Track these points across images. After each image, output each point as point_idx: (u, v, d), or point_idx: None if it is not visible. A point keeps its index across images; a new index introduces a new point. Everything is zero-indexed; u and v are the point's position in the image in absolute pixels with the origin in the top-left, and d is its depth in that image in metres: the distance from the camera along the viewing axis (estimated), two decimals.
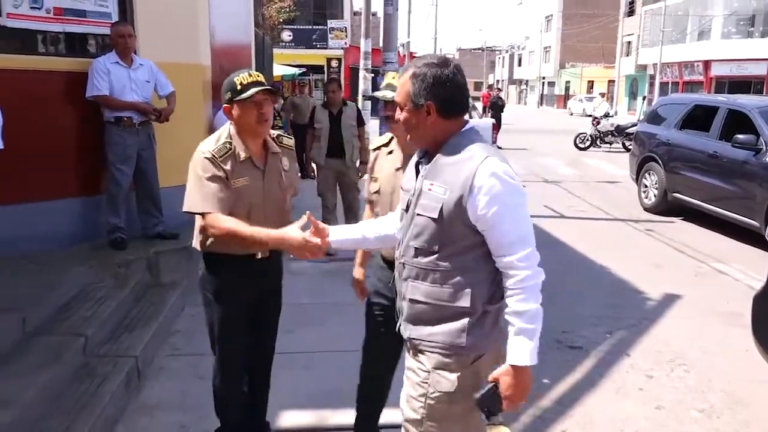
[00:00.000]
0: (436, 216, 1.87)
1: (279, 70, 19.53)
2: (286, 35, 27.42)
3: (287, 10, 18.80)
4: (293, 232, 2.26)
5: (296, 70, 21.09)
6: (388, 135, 2.70)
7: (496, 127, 12.38)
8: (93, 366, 3.45)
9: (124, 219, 4.93)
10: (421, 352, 1.98)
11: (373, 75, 12.56)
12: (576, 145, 18.50)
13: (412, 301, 1.97)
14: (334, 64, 29.33)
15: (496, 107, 20.69)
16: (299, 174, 2.79)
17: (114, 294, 4.22)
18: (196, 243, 2.66)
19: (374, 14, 19.81)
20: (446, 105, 1.89)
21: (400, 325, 2.06)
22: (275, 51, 18.61)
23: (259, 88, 2.48)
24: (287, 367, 3.68)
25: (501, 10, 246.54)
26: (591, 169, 14.49)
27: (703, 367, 4.20)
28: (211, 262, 2.67)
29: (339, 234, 2.26)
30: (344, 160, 6.13)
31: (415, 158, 2.05)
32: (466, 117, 2.01)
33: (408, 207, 1.98)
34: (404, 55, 29.37)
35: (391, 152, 2.65)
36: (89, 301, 4.05)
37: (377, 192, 2.65)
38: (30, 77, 4.53)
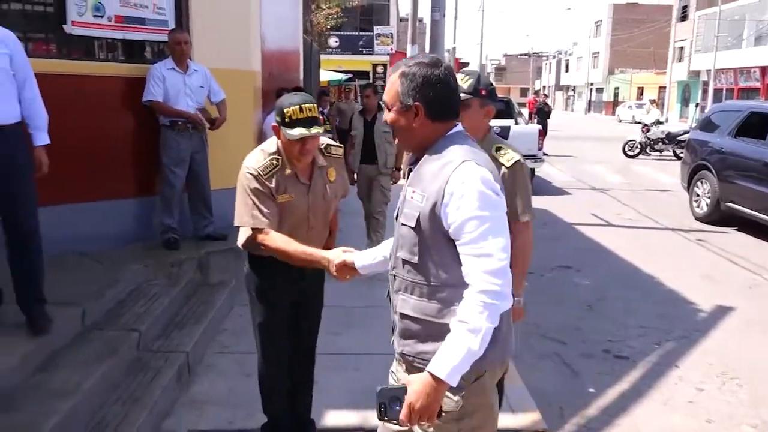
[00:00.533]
0: (413, 225, 1.78)
1: (326, 75, 19.79)
2: (333, 41, 27.75)
3: (335, 16, 19.04)
4: (333, 255, 2.27)
5: (343, 76, 21.30)
6: None
7: (543, 133, 12.25)
8: (146, 360, 3.58)
9: (177, 220, 5.09)
10: (417, 368, 1.80)
11: None
12: (625, 153, 18.12)
13: (402, 315, 1.86)
14: (379, 69, 29.50)
15: (542, 113, 20.47)
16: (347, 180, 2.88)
17: (166, 292, 4.37)
18: (240, 242, 2.73)
19: (420, 20, 19.88)
20: (435, 107, 1.81)
21: (393, 340, 1.96)
22: (322, 57, 18.85)
23: (304, 135, 2.48)
24: (335, 368, 3.74)
25: (548, 16, 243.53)
26: (640, 177, 14.18)
27: (757, 382, 4.08)
28: (255, 262, 2.75)
29: (364, 260, 2.21)
30: (377, 166, 6.08)
31: (409, 164, 1.98)
32: (458, 121, 1.91)
33: (397, 216, 1.90)
34: (450, 61, 29.32)
35: None
36: (143, 298, 4.21)
37: None
38: (92, 82, 4.73)
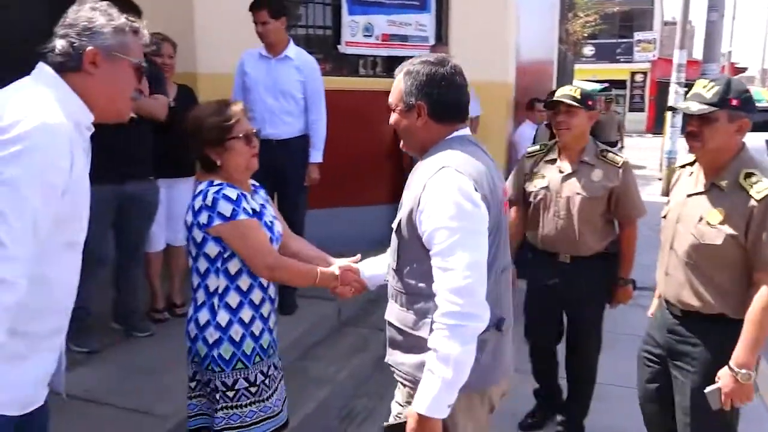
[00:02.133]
0: (395, 229, 1.73)
1: (579, 85, 18.93)
2: (588, 50, 26.60)
3: (592, 24, 18.21)
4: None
5: (597, 86, 20.25)
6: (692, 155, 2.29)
7: None
8: None
9: None
10: (400, 381, 1.80)
11: (686, 89, 11.41)
12: None
13: (388, 323, 1.81)
14: (638, 78, 27.53)
15: None
16: None
17: None
18: None
19: (689, 23, 18.01)
20: (439, 107, 1.70)
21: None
22: (576, 66, 18.17)
23: None
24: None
25: None
26: None
27: None
28: None
29: (372, 268, 2.10)
30: None
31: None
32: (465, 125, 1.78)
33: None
34: (723, 66, 26.17)
35: (691, 174, 2.24)
36: None
37: (664, 217, 2.32)
38: (359, 97, 5.15)
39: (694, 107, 2.06)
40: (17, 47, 3.96)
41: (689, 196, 2.16)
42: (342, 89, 5.03)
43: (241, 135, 1.97)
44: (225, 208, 1.89)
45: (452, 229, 1.55)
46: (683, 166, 2.34)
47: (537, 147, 3.04)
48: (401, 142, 1.81)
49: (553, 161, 2.91)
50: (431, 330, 1.58)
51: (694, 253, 2.10)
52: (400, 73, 1.74)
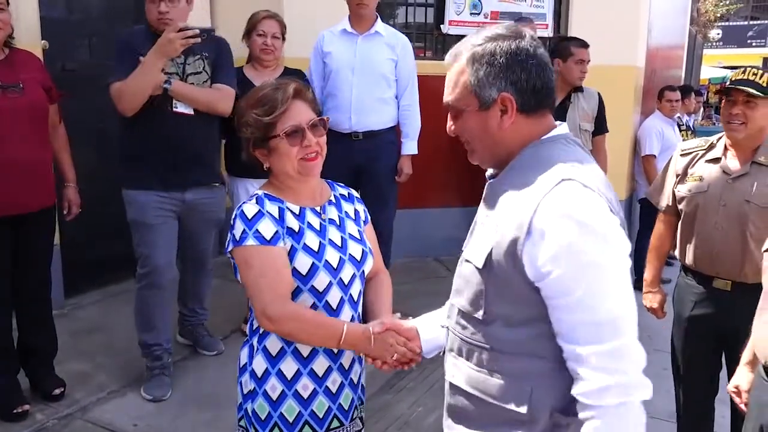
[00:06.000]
0: (481, 264, 1.20)
1: (706, 72, 17.39)
2: (715, 33, 24.39)
3: (726, 3, 16.45)
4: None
5: (728, 73, 18.49)
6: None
7: None
8: None
9: None
10: None
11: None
12: None
13: (452, 386, 1.32)
14: None
15: None
16: None
17: None
18: None
19: None
20: (529, 95, 1.21)
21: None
22: (705, 52, 16.63)
23: None
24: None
25: None
26: None
27: None
28: None
29: (431, 329, 1.53)
30: None
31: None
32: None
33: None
34: None
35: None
36: None
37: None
38: None
39: None
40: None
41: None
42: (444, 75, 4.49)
43: (282, 134, 1.47)
44: (237, 228, 1.47)
45: (596, 269, 1.11)
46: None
47: (696, 143, 2.42)
48: (470, 154, 1.30)
49: (717, 161, 2.29)
50: (574, 414, 1.14)
51: None
52: (457, 59, 1.24)
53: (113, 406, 2.72)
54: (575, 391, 1.13)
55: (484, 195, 1.30)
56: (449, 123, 1.29)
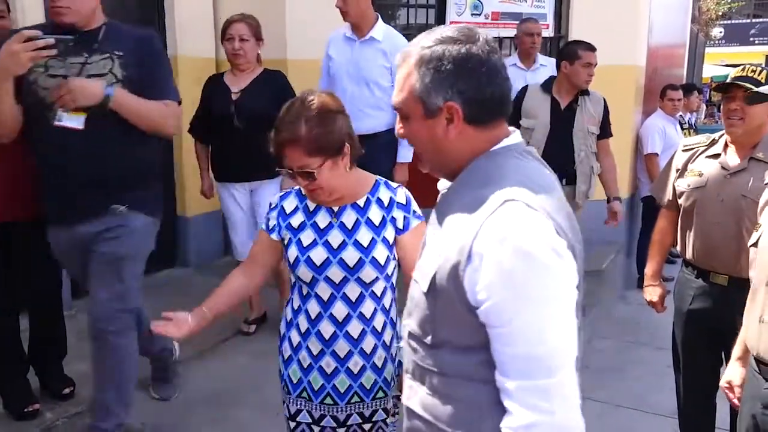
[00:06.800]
0: (426, 288, 1.14)
1: (708, 71, 17.33)
2: (717, 31, 24.33)
3: (727, 1, 16.43)
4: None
5: (731, 71, 18.42)
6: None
7: None
8: None
9: None
10: None
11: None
12: None
13: (408, 409, 1.26)
14: None
15: None
16: None
17: None
18: None
19: None
20: (478, 105, 1.13)
21: None
22: (707, 50, 16.58)
23: None
24: None
25: None
26: None
27: None
28: None
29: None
30: None
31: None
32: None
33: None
34: None
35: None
36: None
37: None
38: None
39: None
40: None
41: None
42: None
43: (285, 171, 1.63)
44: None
45: (533, 300, 1.03)
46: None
47: (698, 139, 2.46)
48: (419, 162, 1.24)
49: (716, 156, 2.33)
50: None
51: None
52: (406, 60, 1.16)
53: None
54: (503, 424, 1.07)
55: (435, 207, 1.23)
56: (398, 125, 1.22)
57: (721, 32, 25.08)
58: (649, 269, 2.61)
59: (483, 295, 1.05)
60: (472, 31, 1.15)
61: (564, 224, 1.09)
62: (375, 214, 1.67)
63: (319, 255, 1.63)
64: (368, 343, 1.68)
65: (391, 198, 1.70)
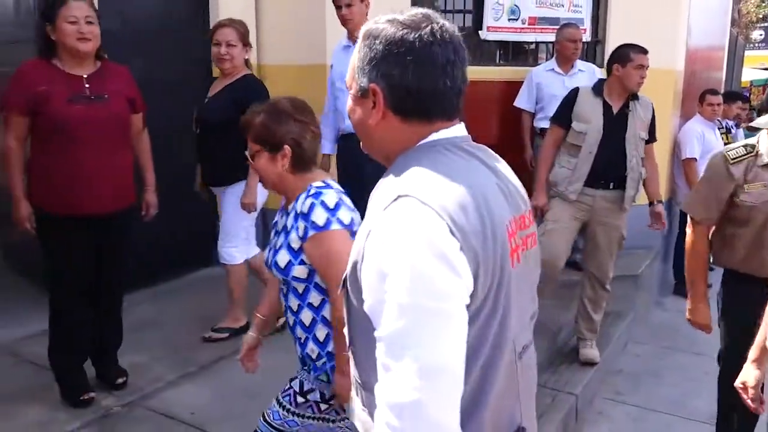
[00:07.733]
0: (340, 291, 1.13)
1: (748, 74, 16.97)
2: (758, 34, 23.75)
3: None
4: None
5: None
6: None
7: None
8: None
9: None
10: None
11: None
12: None
13: (352, 426, 1.21)
14: None
15: None
16: None
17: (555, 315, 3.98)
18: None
19: None
20: (402, 95, 1.05)
21: None
22: (747, 53, 16.23)
23: None
24: None
25: None
26: None
27: None
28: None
29: None
30: None
31: None
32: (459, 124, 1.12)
33: None
34: None
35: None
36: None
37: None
38: (499, 87, 4.64)
39: None
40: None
41: None
42: (485, 80, 4.55)
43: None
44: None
45: (402, 307, 0.93)
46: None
47: (740, 151, 2.42)
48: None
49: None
50: None
51: None
52: (361, 34, 1.11)
53: (171, 395, 2.87)
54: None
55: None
56: (349, 101, 1.15)
57: (761, 35, 24.46)
58: (699, 289, 2.56)
59: (365, 293, 1.00)
60: (424, 19, 1.06)
61: (470, 221, 0.97)
62: (289, 221, 1.77)
63: (268, 256, 1.83)
64: (299, 333, 1.85)
65: (301, 212, 1.71)
